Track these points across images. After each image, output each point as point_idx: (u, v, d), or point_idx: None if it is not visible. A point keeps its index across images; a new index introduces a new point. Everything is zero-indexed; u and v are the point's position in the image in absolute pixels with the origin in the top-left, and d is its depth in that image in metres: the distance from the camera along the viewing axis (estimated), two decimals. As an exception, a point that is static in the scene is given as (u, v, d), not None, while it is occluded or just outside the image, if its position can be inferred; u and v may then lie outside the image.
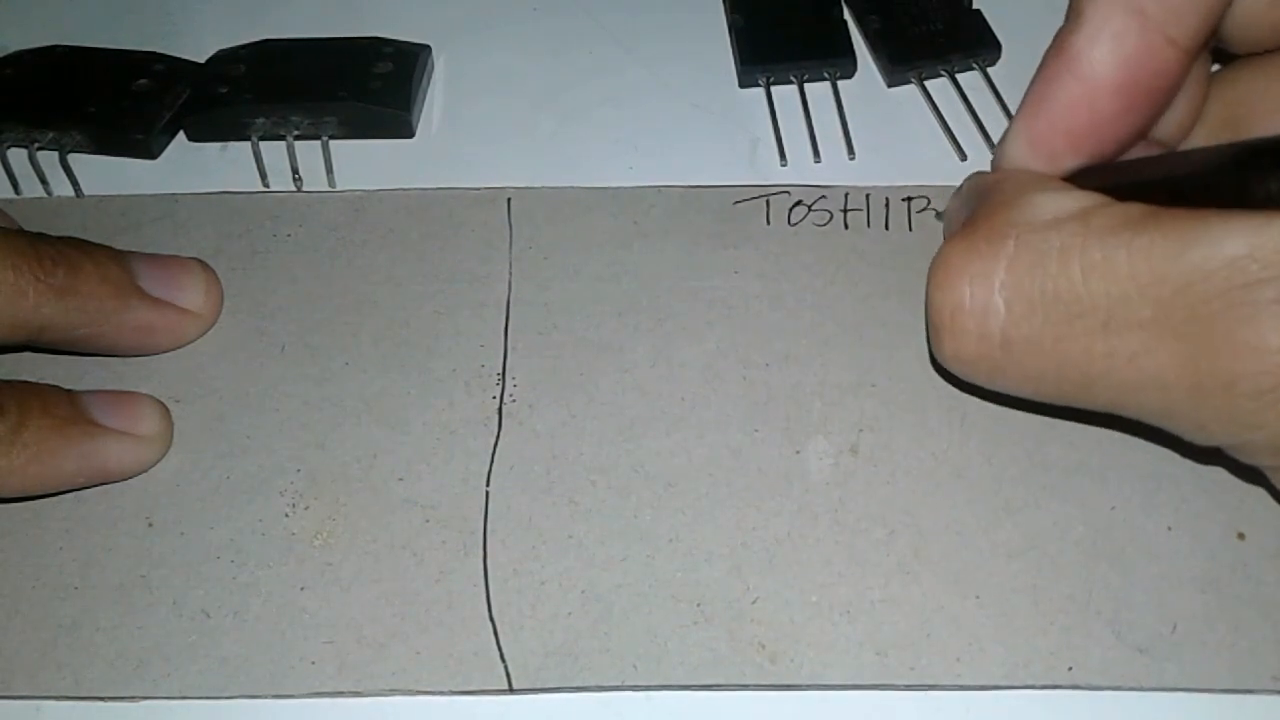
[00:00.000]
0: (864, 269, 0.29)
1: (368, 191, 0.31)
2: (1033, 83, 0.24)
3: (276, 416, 0.27)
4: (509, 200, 0.31)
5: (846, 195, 0.30)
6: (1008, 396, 0.24)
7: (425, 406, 0.27)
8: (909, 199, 0.30)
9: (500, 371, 0.28)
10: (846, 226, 0.30)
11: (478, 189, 0.31)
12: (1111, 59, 0.22)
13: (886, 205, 0.30)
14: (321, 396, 0.27)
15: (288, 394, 0.27)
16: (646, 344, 0.28)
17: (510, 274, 0.29)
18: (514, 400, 0.27)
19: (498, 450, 0.26)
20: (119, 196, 0.31)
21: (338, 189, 0.31)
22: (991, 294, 0.21)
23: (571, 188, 0.31)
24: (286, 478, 0.26)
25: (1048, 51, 0.23)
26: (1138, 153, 0.25)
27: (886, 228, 0.30)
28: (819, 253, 0.29)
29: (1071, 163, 0.24)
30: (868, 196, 0.30)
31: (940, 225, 0.30)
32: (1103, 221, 0.20)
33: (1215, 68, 0.26)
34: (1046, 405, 0.23)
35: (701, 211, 0.30)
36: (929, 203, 0.30)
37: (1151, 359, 0.20)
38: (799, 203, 0.30)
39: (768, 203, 0.30)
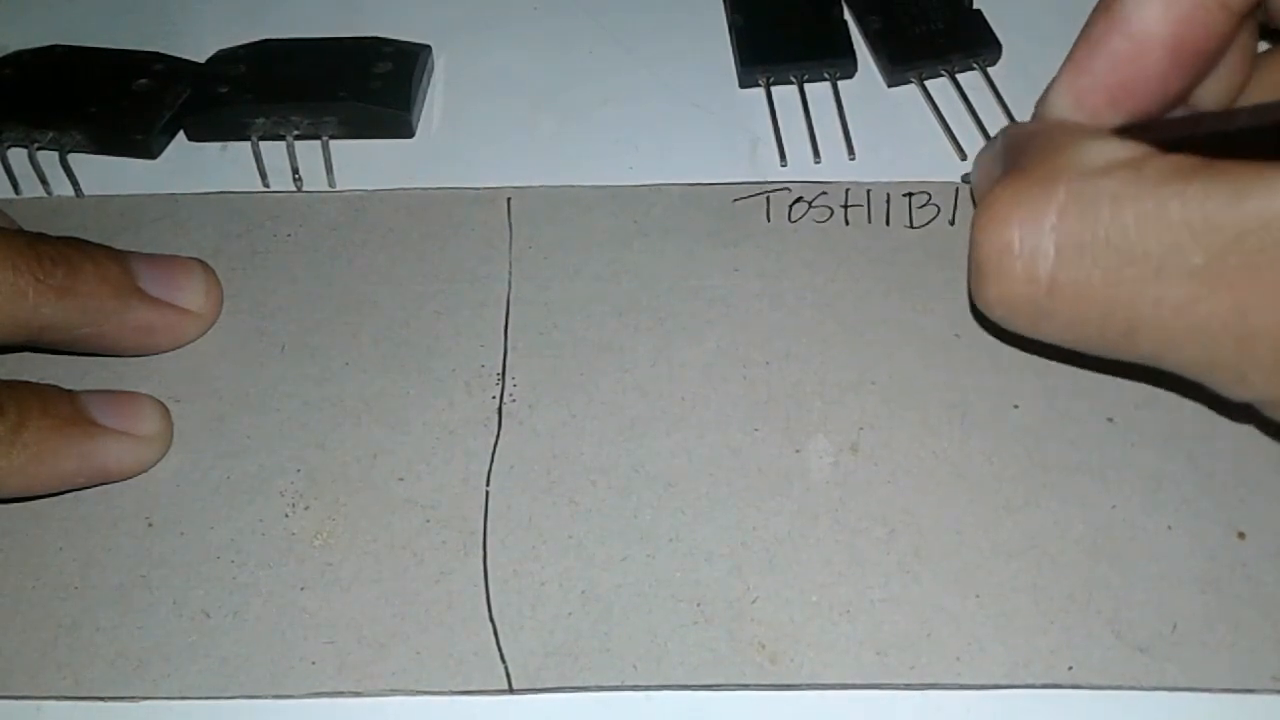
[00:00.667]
0: (865, 265, 0.29)
1: (368, 191, 0.31)
2: (1079, 39, 0.24)
3: (276, 416, 0.27)
4: (509, 200, 0.31)
5: (847, 191, 0.30)
6: (1037, 344, 0.24)
7: (425, 406, 0.27)
8: (909, 195, 0.30)
9: (500, 371, 0.28)
10: (847, 223, 0.30)
11: (478, 189, 0.31)
12: (1161, 17, 0.22)
13: (887, 201, 0.30)
14: (321, 396, 0.27)
15: (288, 394, 0.27)
16: (646, 344, 0.28)
17: (510, 274, 0.29)
18: (514, 400, 0.27)
19: (498, 450, 0.26)
20: (119, 196, 0.31)
21: (338, 189, 0.31)
22: (1041, 237, 0.21)
23: (571, 187, 0.31)
24: (286, 478, 0.26)
25: (1095, 8, 0.23)
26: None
27: (887, 223, 0.30)
28: (819, 250, 0.29)
29: (1113, 120, 0.24)
30: (868, 192, 0.30)
31: (939, 222, 0.30)
32: (1156, 170, 0.20)
33: (1264, 47, 0.26)
34: (1079, 355, 0.23)
35: (701, 209, 0.30)
36: (930, 198, 0.30)
37: (1200, 308, 0.20)
38: (799, 199, 0.30)
39: (768, 200, 0.30)
